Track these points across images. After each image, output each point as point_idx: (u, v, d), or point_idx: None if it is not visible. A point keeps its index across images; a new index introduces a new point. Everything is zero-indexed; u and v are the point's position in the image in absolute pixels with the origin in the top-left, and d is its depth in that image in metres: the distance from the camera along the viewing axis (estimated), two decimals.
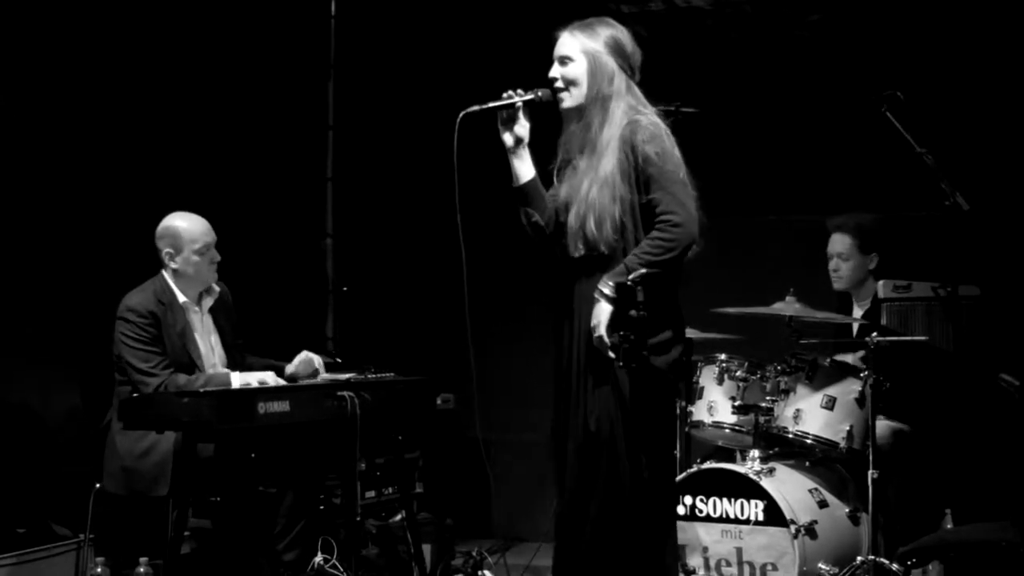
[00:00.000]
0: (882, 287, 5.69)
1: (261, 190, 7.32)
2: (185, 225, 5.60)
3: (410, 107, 7.74)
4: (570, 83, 4.52)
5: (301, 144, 7.80)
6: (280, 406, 5.32)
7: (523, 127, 4.54)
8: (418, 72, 7.69)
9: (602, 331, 4.35)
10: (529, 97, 4.52)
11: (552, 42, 4.58)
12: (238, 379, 5.51)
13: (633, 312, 4.29)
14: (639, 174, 4.42)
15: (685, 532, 5.66)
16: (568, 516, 4.53)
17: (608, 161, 4.43)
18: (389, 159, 7.85)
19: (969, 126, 6.36)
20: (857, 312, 6.13)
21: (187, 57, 6.90)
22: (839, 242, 6.10)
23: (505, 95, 4.51)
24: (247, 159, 7.25)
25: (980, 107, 6.42)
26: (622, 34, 4.58)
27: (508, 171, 4.63)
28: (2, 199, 6.10)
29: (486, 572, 6.05)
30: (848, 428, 5.65)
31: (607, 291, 4.37)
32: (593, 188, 4.42)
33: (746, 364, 5.89)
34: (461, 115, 4.44)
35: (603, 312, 4.37)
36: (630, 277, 4.29)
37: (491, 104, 4.49)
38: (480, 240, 7.52)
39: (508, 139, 4.55)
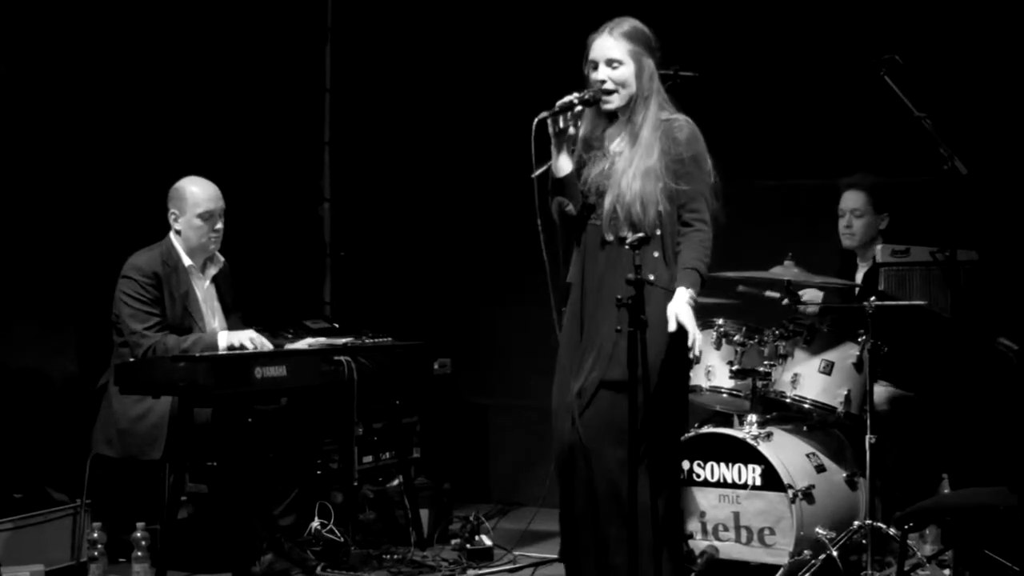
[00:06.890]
0: (880, 251, 5.68)
1: (258, 154, 7.30)
2: (193, 189, 5.65)
3: (408, 70, 7.70)
4: (620, 85, 4.65)
5: (298, 108, 7.77)
6: (277, 371, 5.33)
7: (576, 126, 4.67)
8: (416, 34, 7.65)
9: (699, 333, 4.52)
10: (587, 98, 4.62)
11: (584, 45, 4.69)
12: (224, 338, 5.51)
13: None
14: (678, 166, 4.62)
15: (683, 497, 5.67)
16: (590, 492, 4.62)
17: (651, 153, 4.61)
18: (387, 123, 7.82)
19: (968, 90, 6.32)
20: (860, 273, 6.11)
21: (184, 21, 6.86)
22: (853, 199, 6.08)
23: (567, 98, 4.58)
24: (244, 123, 7.22)
25: (979, 71, 6.39)
26: (648, 30, 4.72)
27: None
28: (3, 165, 6.08)
29: (483, 536, 6.05)
30: (846, 393, 5.65)
31: (695, 294, 4.55)
32: (637, 179, 4.59)
33: (744, 328, 5.88)
34: (536, 121, 4.50)
35: (692, 316, 4.51)
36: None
37: (557, 107, 4.56)
38: (479, 208, 7.57)
39: (563, 137, 4.64)
